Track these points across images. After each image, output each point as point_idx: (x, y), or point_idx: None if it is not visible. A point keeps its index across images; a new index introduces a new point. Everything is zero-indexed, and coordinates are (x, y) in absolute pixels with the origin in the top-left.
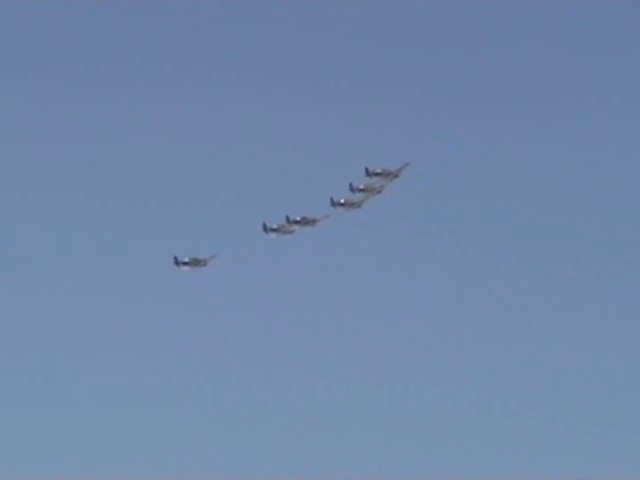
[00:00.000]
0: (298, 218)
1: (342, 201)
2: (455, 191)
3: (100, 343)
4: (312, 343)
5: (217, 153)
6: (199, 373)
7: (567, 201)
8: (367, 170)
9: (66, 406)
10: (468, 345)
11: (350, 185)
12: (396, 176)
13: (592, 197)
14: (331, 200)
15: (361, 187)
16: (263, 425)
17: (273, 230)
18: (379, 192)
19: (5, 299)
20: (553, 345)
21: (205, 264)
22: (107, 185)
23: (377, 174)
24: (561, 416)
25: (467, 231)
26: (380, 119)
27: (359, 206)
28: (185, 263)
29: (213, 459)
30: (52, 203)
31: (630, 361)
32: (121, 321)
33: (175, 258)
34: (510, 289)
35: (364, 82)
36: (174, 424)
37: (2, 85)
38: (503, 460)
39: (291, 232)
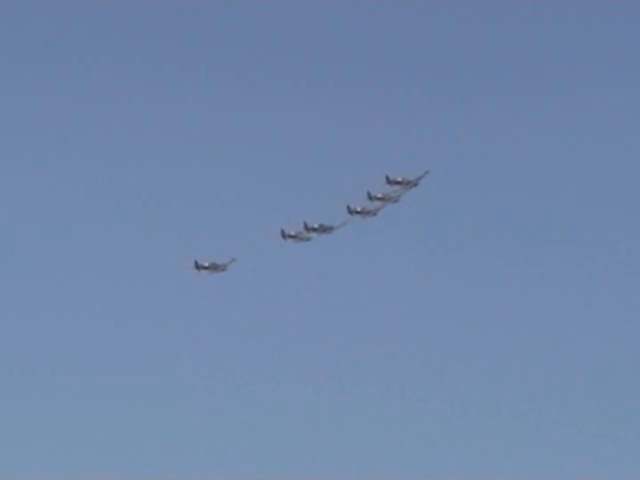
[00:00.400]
0: (316, 225)
1: (358, 209)
2: (471, 199)
3: (115, 343)
4: (326, 347)
5: (240, 160)
6: (213, 375)
7: (590, 214)
8: (388, 178)
9: (73, 407)
10: (481, 351)
11: (368, 194)
12: (415, 185)
13: (610, 207)
14: (348, 208)
15: (379, 196)
16: (273, 427)
17: (291, 237)
18: (396, 201)
19: (25, 303)
20: (558, 351)
21: (224, 269)
22: (132, 191)
23: (397, 182)
24: (565, 419)
25: (480, 238)
26: (400, 126)
27: (375, 214)
28: (205, 267)
29: (223, 461)
30: (72, 208)
31: (633, 364)
32: (138, 322)
33: (195, 262)
34: (526, 296)
35: (388, 90)
36: (181, 426)
37: (3, 86)
38: (507, 463)
39: (308, 239)
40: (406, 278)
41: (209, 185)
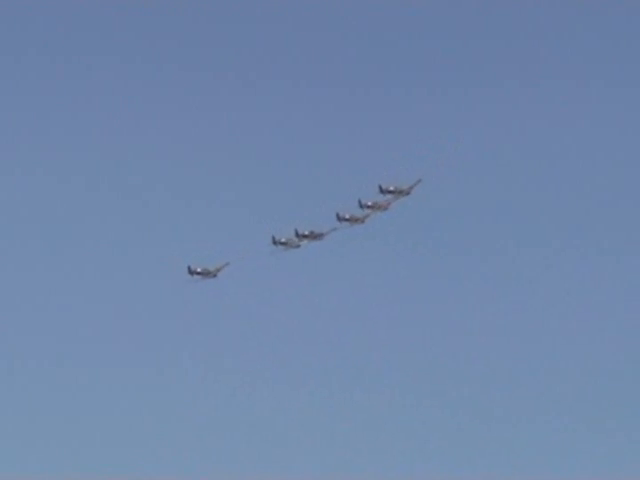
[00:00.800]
0: (306, 232)
1: (347, 216)
2: (461, 207)
3: (110, 345)
4: (317, 352)
5: (238, 171)
6: (205, 379)
7: (583, 223)
8: (380, 188)
9: (69, 410)
10: (470, 356)
11: (359, 201)
12: (407, 193)
13: (603, 216)
14: (337, 215)
15: (369, 204)
16: (265, 432)
17: (282, 244)
18: (385, 209)
19: (19, 308)
20: (554, 358)
21: (215, 275)
22: (124, 196)
23: (390, 192)
24: (560, 421)
25: (469, 245)
26: (394, 134)
27: (363, 221)
28: (198, 273)
29: (220, 463)
30: (67, 212)
31: (629, 365)
32: (132, 325)
33: (189, 267)
34: (515, 302)
35: (383, 97)
36: (174, 426)
37: (5, 88)
38: (502, 466)
39: (298, 246)
40: (395, 284)
41: (202, 191)
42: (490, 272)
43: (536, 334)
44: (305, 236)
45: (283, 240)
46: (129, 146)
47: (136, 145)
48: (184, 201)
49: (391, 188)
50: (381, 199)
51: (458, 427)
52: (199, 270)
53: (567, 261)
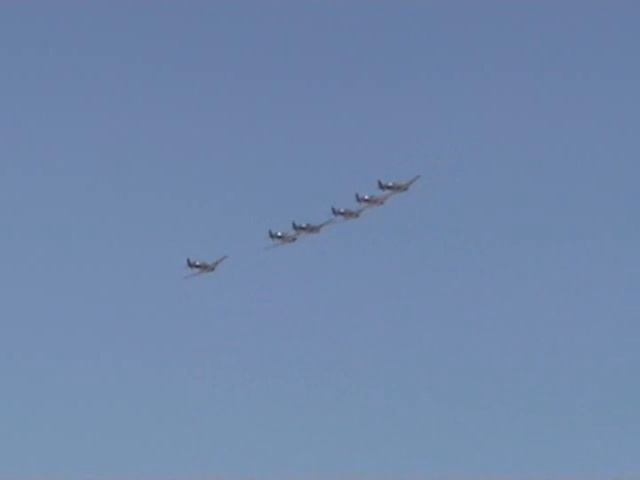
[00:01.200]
0: (303, 225)
1: (342, 210)
2: (455, 203)
3: (109, 338)
4: (312, 344)
5: (241, 170)
6: (201, 372)
7: (580, 218)
8: (380, 183)
9: (66, 409)
10: (465, 349)
11: (356, 195)
12: (405, 189)
13: (608, 208)
14: (332, 209)
15: (366, 198)
16: (264, 426)
17: (279, 237)
18: (381, 203)
19: (21, 303)
20: (550, 352)
21: (212, 269)
22: (123, 192)
23: (389, 187)
24: (559, 420)
25: (462, 239)
26: (393, 131)
27: (357, 215)
28: (197, 265)
29: (221, 460)
30: (68, 208)
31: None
32: (133, 318)
33: (188, 260)
34: (506, 297)
35: (382, 94)
36: (172, 423)
37: (5, 87)
38: (500, 463)
39: (294, 239)
40: (389, 277)
41: (201, 187)
42: (484, 267)
43: (532, 328)
44: (302, 229)
45: (279, 234)
46: (129, 142)
47: (136, 141)
48: (183, 196)
49: (390, 184)
50: (378, 194)
51: (455, 421)
52: (198, 263)
53: (564, 256)
